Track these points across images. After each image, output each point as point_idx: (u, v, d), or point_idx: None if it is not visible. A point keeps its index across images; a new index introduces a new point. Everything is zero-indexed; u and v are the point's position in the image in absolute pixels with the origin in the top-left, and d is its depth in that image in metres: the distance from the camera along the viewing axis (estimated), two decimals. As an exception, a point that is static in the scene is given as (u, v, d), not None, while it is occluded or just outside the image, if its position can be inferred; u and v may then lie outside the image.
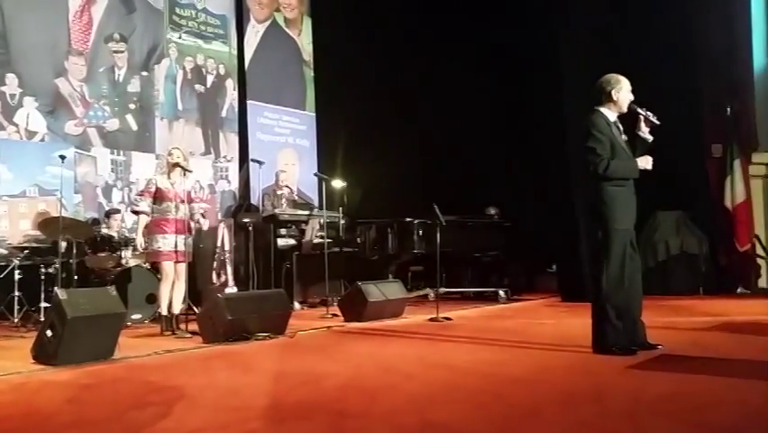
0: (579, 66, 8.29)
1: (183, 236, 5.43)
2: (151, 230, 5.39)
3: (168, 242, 5.35)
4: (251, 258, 7.08)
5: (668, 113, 8.69)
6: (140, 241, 5.42)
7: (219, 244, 7.13)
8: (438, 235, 6.49)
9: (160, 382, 3.53)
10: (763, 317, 5.73)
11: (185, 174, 5.50)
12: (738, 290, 8.47)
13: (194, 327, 5.18)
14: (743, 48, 9.31)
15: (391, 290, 6.40)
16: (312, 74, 9.83)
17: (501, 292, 8.22)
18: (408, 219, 7.76)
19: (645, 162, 3.96)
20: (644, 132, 4.02)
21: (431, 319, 6.10)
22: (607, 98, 4.00)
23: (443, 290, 7.97)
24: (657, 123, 4.02)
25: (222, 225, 7.38)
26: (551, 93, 8.43)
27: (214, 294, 5.32)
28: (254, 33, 9.22)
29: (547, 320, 6.10)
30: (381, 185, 8.92)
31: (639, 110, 4.02)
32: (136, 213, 5.51)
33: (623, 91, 4.00)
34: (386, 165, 9.00)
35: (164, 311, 5.41)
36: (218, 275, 7.10)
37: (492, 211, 9.10)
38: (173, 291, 5.43)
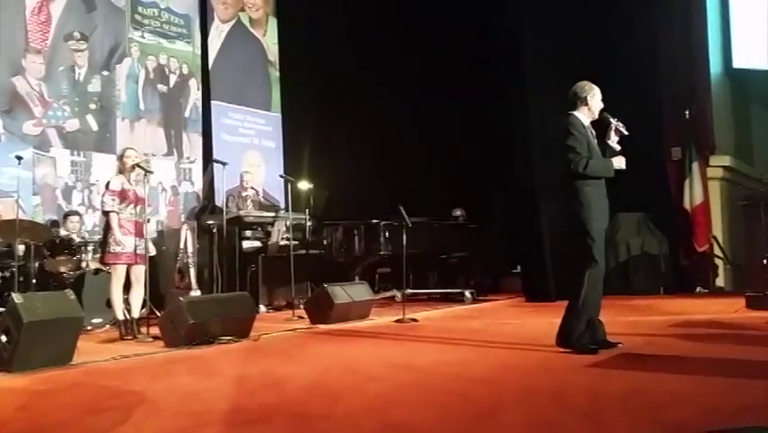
0: (543, 71, 8.43)
1: (142, 238, 5.33)
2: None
3: (128, 243, 5.25)
4: (215, 261, 6.99)
5: (629, 116, 8.88)
6: (120, 238, 5.26)
7: (182, 246, 7.03)
8: (404, 237, 6.51)
9: (120, 387, 3.46)
10: (721, 315, 5.89)
11: (146, 175, 5.40)
12: (697, 290, 8.69)
13: (156, 330, 5.09)
14: (700, 54, 9.57)
15: (357, 291, 6.39)
16: (277, 74, 9.76)
17: (467, 293, 8.27)
18: (375, 221, 7.76)
19: (620, 162, 4.11)
20: (613, 141, 4.16)
21: (397, 321, 6.11)
22: (582, 103, 4.13)
23: (409, 291, 7.99)
24: (626, 133, 4.18)
25: (185, 227, 7.27)
26: (516, 97, 8.55)
27: (177, 297, 5.22)
28: (218, 33, 9.12)
29: (511, 320, 6.17)
30: (348, 186, 8.91)
31: (611, 119, 4.16)
32: (106, 213, 5.36)
33: (596, 98, 4.16)
34: (352, 167, 8.99)
35: (119, 315, 5.30)
36: (181, 278, 6.99)
37: (458, 213, 9.17)
38: (132, 295, 5.33)
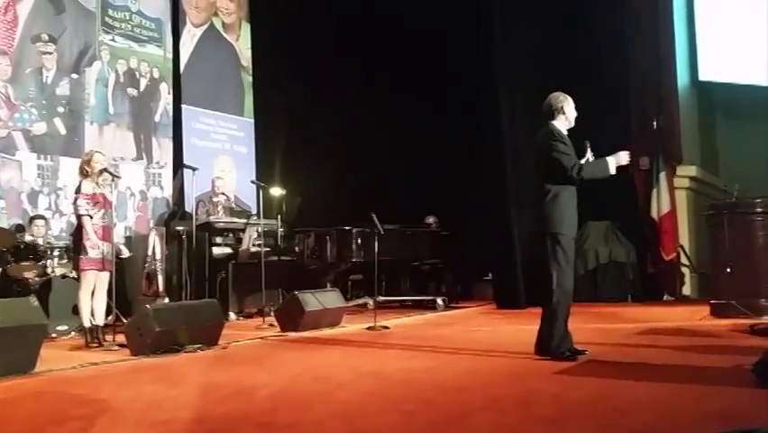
0: (515, 81, 8.54)
1: (108, 244, 5.24)
2: (84, 236, 5.19)
3: (95, 249, 5.17)
4: (184, 267, 6.90)
5: (600, 126, 9.06)
6: (95, 240, 5.17)
7: (150, 252, 6.93)
8: (377, 244, 6.51)
9: (84, 395, 3.40)
10: (686, 323, 6.01)
11: (113, 180, 5.33)
12: (664, 298, 8.83)
13: (122, 338, 5.00)
14: (668, 67, 9.78)
15: (329, 299, 6.37)
16: (250, 80, 9.71)
17: (439, 300, 8.30)
18: (347, 228, 7.75)
19: (620, 158, 4.13)
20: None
21: (368, 328, 6.09)
22: (559, 113, 4.20)
23: (381, 298, 8.00)
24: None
25: (153, 232, 7.17)
26: (488, 105, 8.63)
27: (143, 305, 5.15)
28: (190, 37, 9.04)
29: (482, 327, 6.21)
30: (320, 193, 8.88)
31: (588, 149, 4.20)
32: (80, 217, 5.25)
33: (571, 106, 4.24)
34: (325, 173, 8.96)
35: (86, 322, 5.20)
36: (149, 285, 6.89)
37: (431, 220, 9.21)
38: (95, 301, 5.23)
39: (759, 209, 6.29)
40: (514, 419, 2.69)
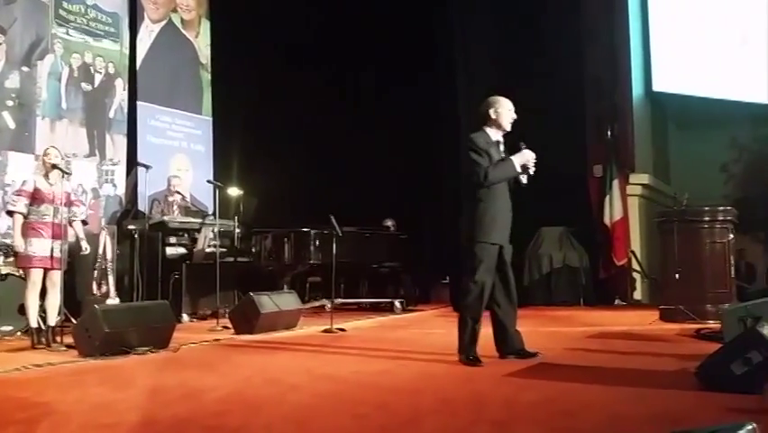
0: (474, 89, 8.66)
1: (59, 242, 5.11)
2: (25, 233, 5.05)
3: (43, 247, 5.03)
4: (136, 267, 6.75)
5: (555, 135, 9.26)
6: (19, 242, 5.02)
7: (101, 252, 6.75)
8: (335, 246, 6.49)
9: (27, 398, 3.28)
10: (636, 327, 6.15)
11: (63, 176, 5.19)
12: (615, 302, 9.06)
13: (70, 339, 4.86)
14: (623, 77, 10.05)
15: (285, 300, 6.31)
16: (209, 77, 9.57)
17: (397, 303, 8.33)
18: (305, 229, 7.71)
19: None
20: (519, 161, 4.09)
21: (325, 331, 6.06)
22: (487, 118, 4.18)
23: (339, 300, 7.98)
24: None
25: (104, 231, 6.99)
26: (446, 112, 8.72)
27: (93, 305, 5.02)
28: (148, 33, 8.87)
29: (437, 330, 6.24)
30: (279, 194, 8.82)
31: (523, 146, 4.15)
32: (11, 213, 5.11)
33: (501, 110, 4.17)
34: (284, 174, 8.91)
35: (33, 323, 5.05)
36: (99, 285, 6.71)
37: (389, 223, 9.23)
38: (47, 301, 5.10)
39: (707, 217, 6.50)
40: (464, 422, 2.71)
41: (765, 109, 12.95)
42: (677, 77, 12.25)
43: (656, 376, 3.64)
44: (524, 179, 4.16)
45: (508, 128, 4.19)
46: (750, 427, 1.43)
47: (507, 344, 4.19)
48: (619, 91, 9.83)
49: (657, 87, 11.97)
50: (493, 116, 4.16)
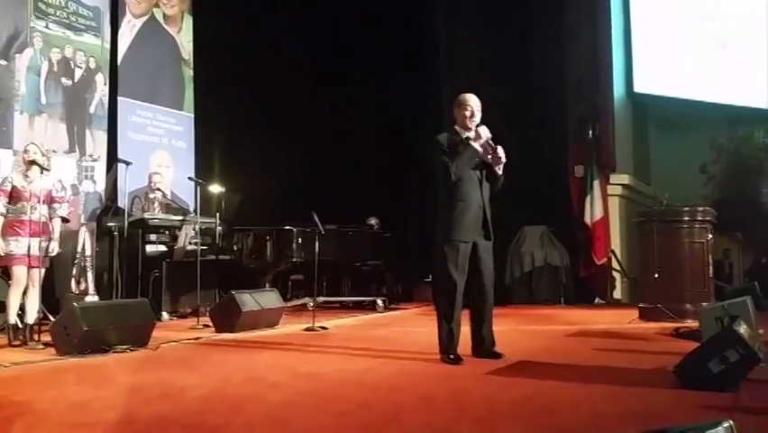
0: (458, 88, 8.66)
1: (38, 239, 5.04)
2: (4, 232, 4.98)
3: (21, 245, 4.96)
4: (116, 265, 6.68)
5: (537, 135, 9.30)
6: (0, 244, 4.96)
7: (80, 249, 6.67)
8: (317, 244, 6.47)
9: (3, 396, 3.23)
10: (616, 325, 6.22)
11: (42, 173, 5.12)
12: (595, 301, 9.16)
13: (48, 337, 4.80)
14: (604, 78, 10.14)
15: (267, 299, 6.28)
16: (191, 73, 9.48)
17: (379, 301, 8.33)
18: (288, 227, 7.68)
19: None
20: (477, 143, 4.11)
21: (307, 329, 6.04)
22: (454, 118, 4.25)
23: (321, 299, 7.96)
24: (489, 140, 4.15)
25: (83, 228, 6.91)
26: (431, 110, 8.74)
27: (72, 303, 4.96)
28: (130, 28, 8.76)
29: (419, 328, 6.25)
30: (261, 191, 8.76)
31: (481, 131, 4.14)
32: None
33: (456, 109, 4.23)
34: (266, 171, 8.86)
35: (11, 319, 4.97)
36: (78, 283, 6.63)
37: (373, 221, 9.23)
38: (27, 299, 5.02)
39: (686, 217, 6.58)
40: (445, 419, 2.72)
41: (744, 111, 13.16)
42: (658, 78, 12.40)
43: (635, 374, 3.68)
44: (499, 170, 4.17)
45: (470, 125, 4.17)
46: (727, 424, 1.45)
47: (477, 343, 4.21)
48: (601, 92, 9.91)
49: (638, 88, 12.10)
50: (455, 116, 4.24)
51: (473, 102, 4.21)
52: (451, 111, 4.36)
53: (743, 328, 3.38)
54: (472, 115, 4.17)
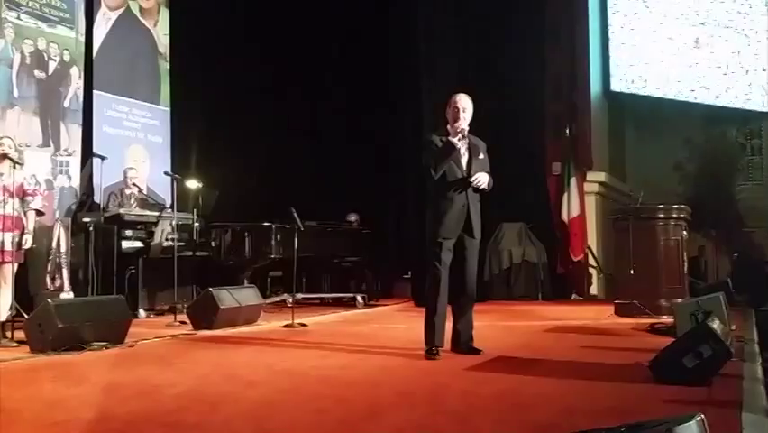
0: (437, 86, 8.71)
1: (11, 234, 4.95)
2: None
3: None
4: (91, 261, 6.58)
5: (516, 133, 9.34)
6: None
7: (54, 244, 6.56)
8: (296, 240, 6.45)
9: (-26, 395, 3.17)
10: (592, 321, 6.29)
11: (15, 167, 5.02)
12: (572, 297, 9.26)
13: (21, 335, 4.72)
14: (582, 77, 10.25)
15: (245, 295, 6.24)
16: (167, 67, 9.37)
17: (359, 298, 8.32)
18: (266, 223, 7.63)
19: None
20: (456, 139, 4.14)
21: (286, 326, 6.02)
22: (446, 116, 4.27)
23: (300, 295, 7.93)
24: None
25: (58, 224, 6.79)
26: (410, 106, 8.75)
27: (46, 300, 4.88)
28: (105, 20, 8.63)
29: (399, 325, 6.27)
30: (239, 187, 8.69)
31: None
32: None
33: (448, 108, 4.26)
34: (244, 166, 8.79)
35: (-16, 317, 4.89)
36: (52, 279, 6.52)
37: (353, 218, 9.21)
38: (-1, 296, 4.94)
39: (661, 215, 6.67)
40: (422, 415, 2.74)
41: (718, 110, 13.40)
42: (634, 77, 12.57)
43: (611, 370, 3.73)
44: (481, 183, 4.17)
45: (456, 125, 4.18)
46: (698, 418, 1.48)
47: (455, 339, 4.25)
48: (578, 90, 10.02)
49: (615, 87, 12.26)
50: (446, 115, 4.28)
51: (461, 101, 4.24)
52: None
53: (716, 324, 3.45)
54: (458, 115, 4.19)
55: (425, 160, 4.18)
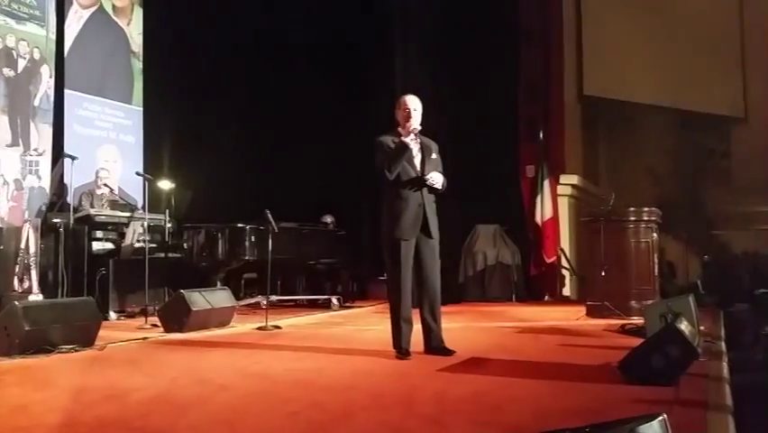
0: (410, 87, 8.72)
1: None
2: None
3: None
4: (61, 263, 6.47)
5: (490, 136, 9.41)
6: None
7: (23, 245, 6.43)
8: (270, 242, 6.40)
9: (-65, 401, 3.10)
10: (564, 322, 6.35)
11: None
12: (545, 298, 9.35)
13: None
14: (556, 80, 10.37)
15: (218, 297, 6.17)
16: (140, 66, 9.25)
17: (334, 300, 8.29)
18: (240, 225, 7.57)
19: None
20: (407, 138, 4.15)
21: (259, 328, 5.97)
22: (396, 118, 4.28)
23: (275, 297, 7.89)
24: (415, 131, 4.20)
25: (27, 225, 6.66)
26: (385, 110, 8.73)
27: (13, 302, 4.77)
28: (77, 18, 8.49)
29: (374, 327, 6.25)
30: (212, 188, 8.61)
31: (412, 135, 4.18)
32: None
33: (397, 111, 4.27)
34: (218, 167, 8.70)
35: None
36: (21, 281, 6.39)
37: (328, 219, 9.18)
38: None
39: (632, 217, 6.76)
40: (395, 417, 2.73)
41: (691, 115, 13.64)
42: (608, 81, 12.74)
43: (581, 370, 3.77)
44: (436, 182, 4.17)
45: (408, 124, 4.17)
46: (661, 418, 1.50)
47: (426, 340, 4.24)
48: (552, 94, 10.14)
49: (588, 90, 12.40)
50: (396, 117, 4.27)
51: (411, 102, 4.25)
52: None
53: (684, 325, 3.51)
54: (409, 115, 4.19)
55: (378, 162, 4.16)
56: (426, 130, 4.35)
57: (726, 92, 13.79)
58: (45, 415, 2.79)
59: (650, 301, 5.90)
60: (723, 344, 4.89)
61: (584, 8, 12.50)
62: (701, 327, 4.84)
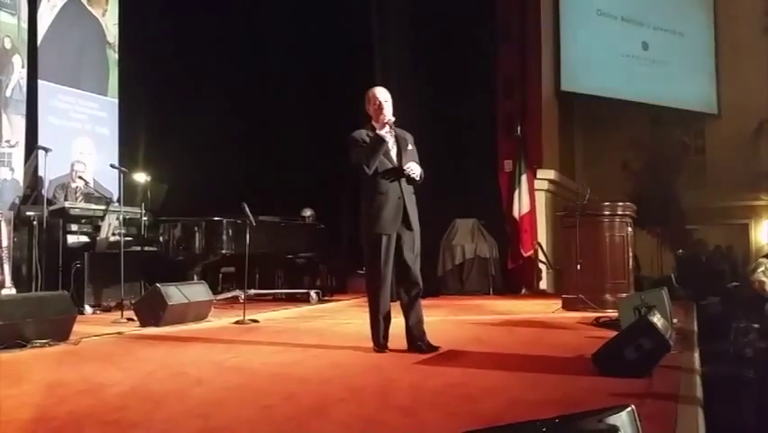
0: (390, 83, 8.73)
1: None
2: None
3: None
4: (35, 256, 6.37)
5: (468, 131, 9.46)
6: None
7: (-5, 239, 6.32)
8: (248, 236, 6.37)
9: None
10: (540, 315, 6.43)
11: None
12: (522, 291, 9.46)
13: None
14: (533, 76, 10.46)
15: (195, 291, 6.13)
16: (116, 57, 9.12)
17: (313, 294, 8.29)
18: (217, 218, 7.52)
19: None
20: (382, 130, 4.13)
21: (237, 322, 5.95)
22: (368, 113, 4.24)
23: (254, 291, 7.85)
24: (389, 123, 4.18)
25: (0, 218, 6.55)
26: (364, 106, 8.74)
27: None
28: (50, 8, 8.33)
29: (352, 320, 6.26)
30: (189, 181, 8.54)
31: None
32: None
33: (367, 105, 4.23)
34: (195, 160, 8.64)
35: None
36: (-7, 275, 6.28)
37: (308, 213, 9.16)
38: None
39: (607, 212, 6.86)
40: (371, 409, 2.75)
41: (664, 111, 13.84)
42: (584, 78, 12.86)
43: (556, 362, 3.82)
44: (414, 171, 4.16)
45: (382, 117, 4.13)
46: (629, 409, 1.53)
47: (408, 336, 4.21)
48: (529, 90, 10.22)
49: (565, 87, 12.51)
50: (367, 111, 4.23)
51: (381, 94, 4.20)
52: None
53: (656, 318, 3.57)
54: (381, 108, 4.16)
55: (355, 158, 4.12)
56: (405, 125, 4.33)
57: (700, 89, 14.02)
58: (18, 409, 2.75)
59: (624, 295, 5.99)
60: (695, 336, 4.99)
61: (562, 4, 12.60)
62: (675, 320, 4.93)
